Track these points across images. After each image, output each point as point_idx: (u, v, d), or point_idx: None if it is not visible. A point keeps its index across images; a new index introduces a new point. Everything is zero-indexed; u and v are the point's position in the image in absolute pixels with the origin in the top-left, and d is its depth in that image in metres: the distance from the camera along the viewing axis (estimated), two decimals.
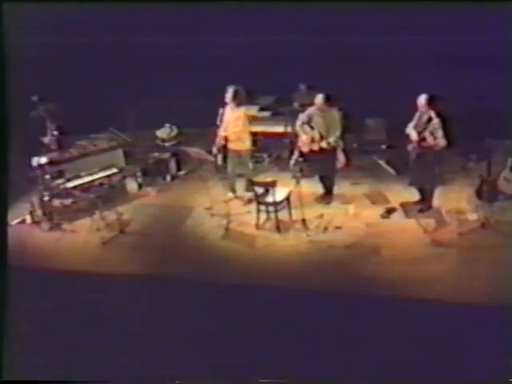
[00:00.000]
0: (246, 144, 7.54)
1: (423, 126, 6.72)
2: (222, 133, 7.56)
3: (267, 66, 8.53)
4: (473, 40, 7.79)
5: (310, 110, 7.37)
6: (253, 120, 8.56)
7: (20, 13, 6.74)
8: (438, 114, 6.68)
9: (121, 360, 4.95)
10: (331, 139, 7.21)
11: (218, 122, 7.54)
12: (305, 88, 8.77)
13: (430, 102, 6.67)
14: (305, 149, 7.36)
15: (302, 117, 7.41)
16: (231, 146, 7.56)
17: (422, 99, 6.68)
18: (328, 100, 7.19)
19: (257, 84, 8.50)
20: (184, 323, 5.39)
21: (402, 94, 6.84)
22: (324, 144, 7.22)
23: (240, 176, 7.81)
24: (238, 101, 7.43)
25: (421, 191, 7.21)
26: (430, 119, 6.69)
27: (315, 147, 7.28)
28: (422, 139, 6.69)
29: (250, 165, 7.72)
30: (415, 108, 6.83)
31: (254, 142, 7.87)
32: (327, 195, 7.65)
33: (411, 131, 6.84)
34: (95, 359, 5.00)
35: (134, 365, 4.93)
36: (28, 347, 5.05)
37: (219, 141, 7.58)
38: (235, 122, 7.44)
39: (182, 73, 8.72)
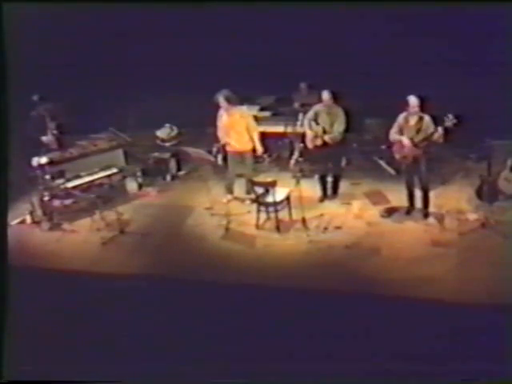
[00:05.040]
0: (249, 145, 7.53)
1: (415, 128, 6.68)
2: (221, 134, 7.58)
3: (267, 66, 8.52)
4: (473, 39, 7.79)
5: (317, 107, 7.43)
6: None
7: (20, 13, 6.74)
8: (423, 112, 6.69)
9: (121, 360, 4.95)
10: (335, 133, 7.24)
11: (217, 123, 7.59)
12: (305, 88, 8.77)
13: (422, 103, 6.63)
14: (310, 145, 7.40)
15: (309, 114, 7.46)
16: (233, 146, 7.56)
17: (415, 100, 6.62)
18: (334, 97, 7.26)
19: (257, 84, 8.50)
20: (184, 323, 5.38)
21: (401, 94, 6.83)
22: (327, 138, 7.24)
23: (240, 176, 7.81)
24: (232, 103, 7.42)
25: (411, 195, 7.15)
26: (420, 118, 6.66)
27: (318, 142, 7.32)
28: (419, 141, 6.66)
29: (252, 166, 7.71)
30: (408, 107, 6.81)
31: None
32: (332, 193, 7.69)
33: (399, 137, 6.76)
34: (95, 359, 5.00)
35: (134, 365, 4.92)
36: (28, 347, 5.04)
37: (219, 142, 7.60)
38: (240, 121, 7.44)
39: (182, 72, 8.72)
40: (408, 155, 6.80)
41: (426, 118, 6.65)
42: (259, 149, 7.58)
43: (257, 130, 7.62)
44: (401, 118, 6.82)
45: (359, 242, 6.73)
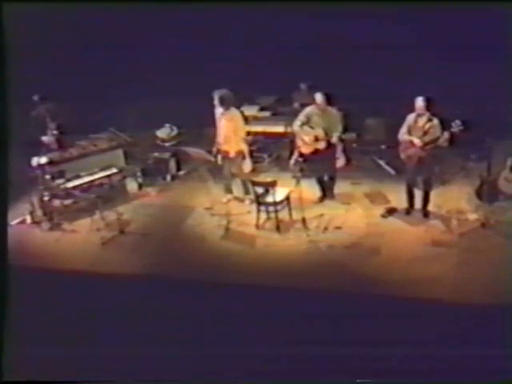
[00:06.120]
0: (238, 146, 7.49)
1: (423, 129, 6.69)
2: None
3: (267, 66, 8.52)
4: (473, 39, 7.79)
5: (308, 110, 7.33)
6: (253, 120, 8.57)
7: (20, 13, 6.73)
8: (433, 115, 6.68)
9: (121, 360, 4.95)
10: (338, 134, 7.18)
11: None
12: (305, 88, 8.77)
13: (428, 104, 6.63)
14: (306, 150, 7.34)
15: (300, 118, 7.36)
16: (224, 147, 7.56)
17: (421, 101, 6.62)
18: (328, 99, 7.17)
19: (257, 84, 8.50)
20: (184, 323, 5.38)
21: (402, 94, 6.83)
22: (334, 139, 7.16)
23: (234, 176, 7.81)
24: (227, 105, 7.41)
25: (411, 195, 7.16)
26: (429, 120, 6.67)
27: (320, 146, 7.26)
28: (426, 143, 6.66)
29: (248, 166, 7.68)
30: (414, 108, 6.81)
31: (251, 144, 7.84)
32: (329, 195, 7.66)
33: (410, 137, 6.76)
34: (95, 359, 5.00)
35: (134, 365, 4.93)
36: (28, 347, 5.04)
37: (216, 142, 7.62)
38: (228, 124, 7.43)
39: (182, 72, 8.72)
40: (413, 156, 6.80)
41: (435, 121, 6.65)
42: (244, 151, 7.51)
43: (244, 134, 7.54)
44: (410, 118, 6.80)
45: (359, 241, 6.73)
